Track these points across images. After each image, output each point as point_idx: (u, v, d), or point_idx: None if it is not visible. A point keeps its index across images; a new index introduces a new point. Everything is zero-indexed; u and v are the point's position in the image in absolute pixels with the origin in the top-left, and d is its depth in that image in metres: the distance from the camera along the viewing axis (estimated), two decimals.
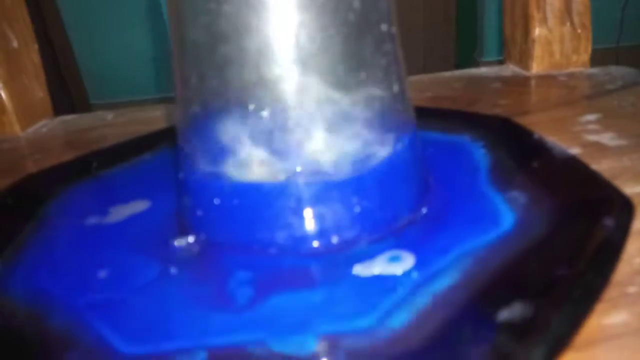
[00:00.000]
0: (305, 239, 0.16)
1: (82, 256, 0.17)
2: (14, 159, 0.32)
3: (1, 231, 0.18)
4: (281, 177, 0.16)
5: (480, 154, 0.21)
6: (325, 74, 0.15)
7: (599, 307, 0.13)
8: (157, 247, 0.17)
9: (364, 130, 0.16)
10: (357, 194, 0.16)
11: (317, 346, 0.12)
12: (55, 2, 1.48)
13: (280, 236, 0.16)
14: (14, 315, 0.14)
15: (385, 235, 0.16)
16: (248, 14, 0.15)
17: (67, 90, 1.52)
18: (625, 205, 0.15)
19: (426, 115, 0.23)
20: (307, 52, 0.15)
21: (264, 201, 0.16)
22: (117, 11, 1.55)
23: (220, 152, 0.16)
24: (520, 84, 0.34)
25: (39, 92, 0.39)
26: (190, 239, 0.17)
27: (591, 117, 0.26)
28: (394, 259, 0.15)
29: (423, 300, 0.13)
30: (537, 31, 0.35)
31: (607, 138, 0.24)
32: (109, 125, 0.36)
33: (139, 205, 0.20)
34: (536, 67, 0.36)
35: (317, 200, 0.16)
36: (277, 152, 0.16)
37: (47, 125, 0.38)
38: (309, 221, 0.16)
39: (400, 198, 0.17)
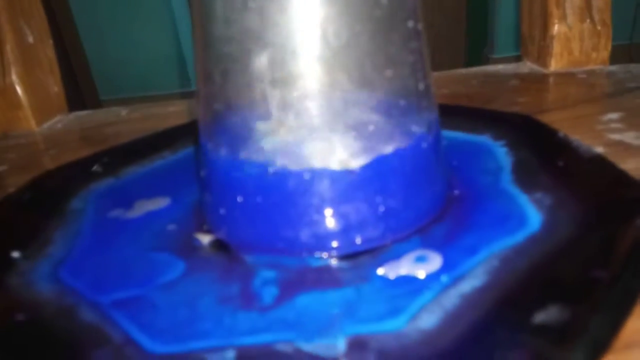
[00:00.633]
0: (329, 237, 0.16)
1: (106, 253, 0.17)
2: (30, 154, 0.32)
3: (25, 227, 0.18)
4: (306, 176, 0.15)
5: (503, 153, 0.21)
6: (351, 70, 0.15)
7: (637, 310, 0.13)
8: (181, 244, 0.17)
9: (389, 128, 0.16)
10: (382, 193, 0.16)
11: (347, 347, 0.12)
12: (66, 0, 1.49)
13: (304, 235, 0.16)
14: (42, 310, 0.14)
15: (410, 234, 0.16)
16: (273, 9, 0.14)
17: (77, 87, 1.52)
18: None
19: (446, 113, 0.23)
20: (333, 48, 0.15)
21: (288, 199, 0.16)
22: (127, 8, 1.56)
23: (244, 150, 0.16)
24: (538, 81, 0.34)
25: (54, 87, 0.40)
26: (214, 236, 0.17)
27: (613, 115, 0.26)
28: (421, 259, 0.15)
29: (452, 301, 0.13)
30: (557, 28, 0.35)
31: (631, 137, 0.23)
32: (124, 120, 0.37)
33: (161, 202, 0.20)
34: (555, 65, 0.35)
35: (342, 198, 0.16)
36: (302, 149, 0.15)
37: (62, 120, 0.38)
38: (333, 220, 0.16)
39: (425, 197, 0.17)
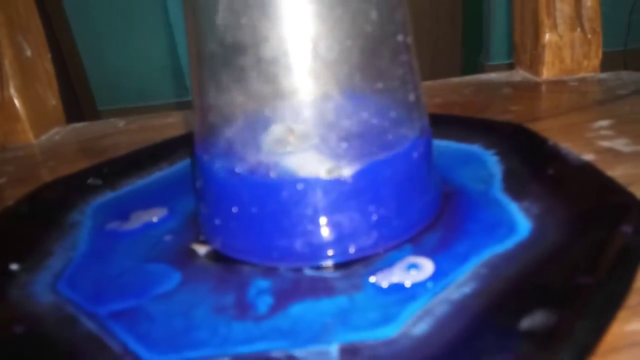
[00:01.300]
0: (322, 247, 0.16)
1: (103, 264, 0.17)
2: (28, 166, 0.32)
3: (23, 239, 0.19)
4: (299, 186, 0.16)
5: (494, 161, 0.21)
6: (343, 84, 0.15)
7: (621, 314, 0.13)
8: (177, 255, 0.17)
9: (381, 139, 0.16)
10: (374, 202, 0.16)
11: (339, 355, 0.12)
12: (63, 10, 1.50)
13: (298, 244, 0.16)
14: (41, 322, 0.14)
15: (402, 243, 0.16)
16: (265, 25, 0.15)
17: (75, 97, 1.53)
18: None
19: (438, 122, 0.23)
20: (324, 62, 0.15)
21: (282, 209, 0.16)
22: (124, 19, 1.57)
23: (238, 161, 0.16)
24: (530, 89, 0.35)
25: (52, 100, 0.40)
26: (210, 247, 0.18)
27: (604, 122, 0.26)
28: (412, 267, 0.15)
29: (442, 309, 0.13)
30: (548, 37, 0.35)
31: (620, 144, 0.24)
32: (121, 132, 0.37)
33: (158, 213, 0.20)
34: (547, 73, 0.36)
35: (335, 208, 0.16)
36: (295, 161, 0.16)
37: (59, 132, 0.38)
38: (327, 229, 0.16)
39: (417, 205, 0.17)
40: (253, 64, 0.15)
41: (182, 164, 0.24)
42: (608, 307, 0.11)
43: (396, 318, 0.13)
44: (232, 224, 0.17)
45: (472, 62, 1.68)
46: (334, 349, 0.13)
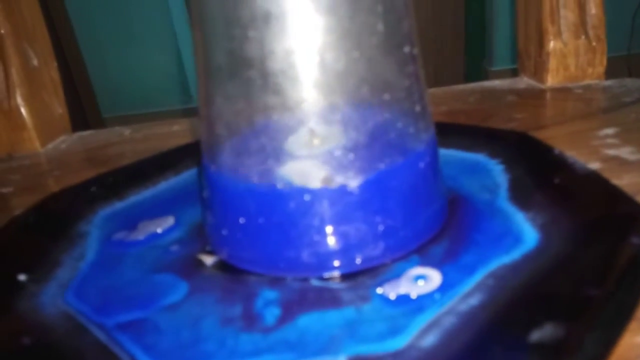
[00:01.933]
0: (330, 257, 0.16)
1: (111, 275, 0.18)
2: (34, 175, 0.32)
3: (31, 250, 0.19)
4: (306, 197, 0.16)
5: (499, 170, 0.21)
6: (350, 95, 0.15)
7: (631, 326, 0.13)
8: (184, 265, 0.17)
9: (387, 149, 0.16)
10: (381, 213, 0.16)
11: None
12: (68, 16, 1.51)
13: (305, 255, 0.16)
14: (50, 333, 0.14)
15: (409, 253, 0.16)
16: (272, 38, 0.15)
17: (79, 104, 1.54)
18: None
19: (444, 131, 0.23)
20: (331, 75, 0.15)
21: (289, 220, 0.16)
22: (129, 25, 1.58)
23: (246, 172, 0.16)
24: (535, 97, 0.35)
25: (58, 108, 0.40)
26: (216, 257, 0.18)
27: (609, 130, 0.26)
28: (420, 278, 0.15)
29: (450, 320, 0.13)
30: (552, 44, 0.35)
31: (626, 152, 0.24)
32: (127, 140, 0.37)
33: (164, 223, 0.20)
34: (551, 80, 0.36)
35: (342, 218, 0.16)
36: (302, 172, 0.16)
37: (65, 141, 0.39)
38: (334, 240, 0.16)
39: (424, 216, 0.17)
40: (260, 77, 0.15)
41: (188, 173, 0.25)
42: (618, 319, 0.11)
43: (404, 330, 0.13)
44: (239, 234, 0.17)
45: (476, 67, 1.68)
46: (341, 359, 0.13)
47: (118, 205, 0.23)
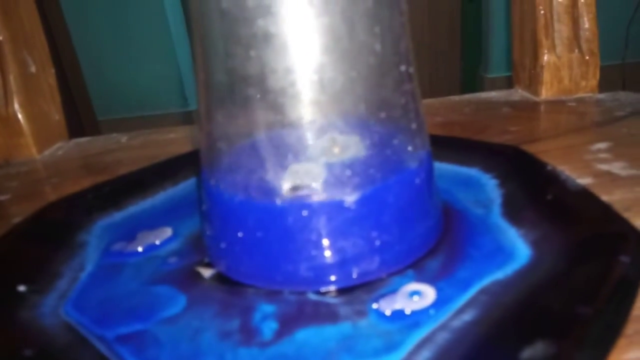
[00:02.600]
0: (327, 271, 0.16)
1: (109, 286, 0.18)
2: (32, 182, 0.32)
3: (31, 259, 0.19)
4: (304, 212, 0.16)
5: (493, 185, 0.21)
6: (347, 113, 0.16)
7: (620, 343, 0.13)
8: (182, 278, 0.18)
9: (383, 166, 0.17)
10: (377, 228, 0.17)
11: None
12: (64, 19, 1.51)
13: (303, 269, 0.16)
14: (52, 344, 0.15)
15: (404, 268, 0.17)
16: (272, 57, 0.15)
17: (74, 107, 1.53)
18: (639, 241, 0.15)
19: (439, 144, 0.24)
20: (329, 93, 0.15)
21: (287, 235, 0.16)
22: (125, 28, 1.58)
23: (244, 187, 0.17)
24: (529, 109, 0.35)
25: (55, 114, 0.40)
26: (214, 269, 0.18)
27: (602, 145, 0.27)
28: (415, 294, 0.15)
29: (444, 337, 0.14)
30: (546, 57, 0.36)
31: (618, 167, 0.24)
32: (124, 148, 0.37)
33: (163, 234, 0.20)
34: (545, 93, 0.36)
35: (339, 234, 0.16)
36: (301, 188, 0.16)
37: (62, 147, 0.39)
38: (331, 254, 0.16)
39: (419, 231, 0.18)
40: (259, 94, 0.15)
41: (186, 184, 0.25)
42: (607, 337, 0.12)
43: (399, 346, 0.13)
44: (237, 247, 0.17)
45: (472, 74, 1.70)
46: None
47: (116, 215, 0.23)
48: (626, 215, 0.18)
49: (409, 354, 0.13)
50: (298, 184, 0.16)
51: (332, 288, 0.16)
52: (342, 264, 0.16)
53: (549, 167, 0.21)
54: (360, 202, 0.16)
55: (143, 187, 0.24)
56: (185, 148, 0.30)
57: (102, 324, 0.16)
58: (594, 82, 0.36)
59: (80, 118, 1.56)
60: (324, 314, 0.15)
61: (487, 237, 0.18)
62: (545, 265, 0.16)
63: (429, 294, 0.15)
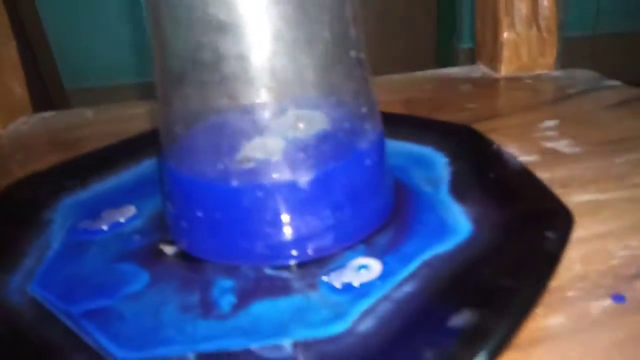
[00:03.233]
0: (282, 248, 0.17)
1: (75, 264, 0.18)
2: None
3: None
4: (259, 193, 0.17)
5: (443, 164, 0.22)
6: (299, 98, 0.17)
7: (540, 311, 0.15)
8: (146, 255, 0.19)
9: (336, 148, 0.18)
10: (330, 207, 0.18)
11: (293, 350, 0.14)
12: None
13: (259, 246, 0.17)
14: (18, 321, 0.15)
15: (356, 244, 0.18)
16: (225, 44, 0.16)
17: (40, 75, 1.49)
18: (566, 217, 0.16)
19: (396, 122, 0.25)
20: (281, 80, 0.16)
21: (244, 214, 0.17)
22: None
23: (202, 170, 0.17)
24: (488, 86, 0.36)
25: (18, 88, 0.40)
26: (176, 247, 0.19)
27: (551, 123, 0.28)
28: (362, 268, 0.17)
29: (386, 307, 0.15)
30: (506, 35, 0.37)
31: (563, 145, 0.26)
32: (90, 123, 0.37)
33: (127, 212, 0.21)
34: (505, 70, 0.37)
35: (293, 213, 0.17)
36: (256, 169, 0.17)
37: (26, 122, 0.38)
38: (286, 232, 0.17)
39: (370, 209, 0.19)
40: (214, 80, 0.16)
41: (150, 162, 0.25)
42: (525, 307, 0.13)
43: (345, 316, 0.15)
44: (197, 226, 0.18)
45: (447, 45, 1.70)
46: (287, 344, 0.14)
47: (81, 193, 0.23)
48: (563, 191, 0.20)
49: (354, 323, 0.14)
50: (250, 157, 0.17)
51: (288, 263, 0.17)
52: (297, 241, 0.17)
53: (495, 146, 0.22)
54: (313, 183, 0.17)
55: (108, 165, 0.25)
56: (150, 124, 0.31)
57: (69, 300, 0.17)
58: (551, 59, 0.37)
59: (47, 88, 1.52)
60: (278, 288, 0.16)
61: (434, 214, 0.19)
62: (483, 241, 0.17)
63: (375, 267, 0.17)
